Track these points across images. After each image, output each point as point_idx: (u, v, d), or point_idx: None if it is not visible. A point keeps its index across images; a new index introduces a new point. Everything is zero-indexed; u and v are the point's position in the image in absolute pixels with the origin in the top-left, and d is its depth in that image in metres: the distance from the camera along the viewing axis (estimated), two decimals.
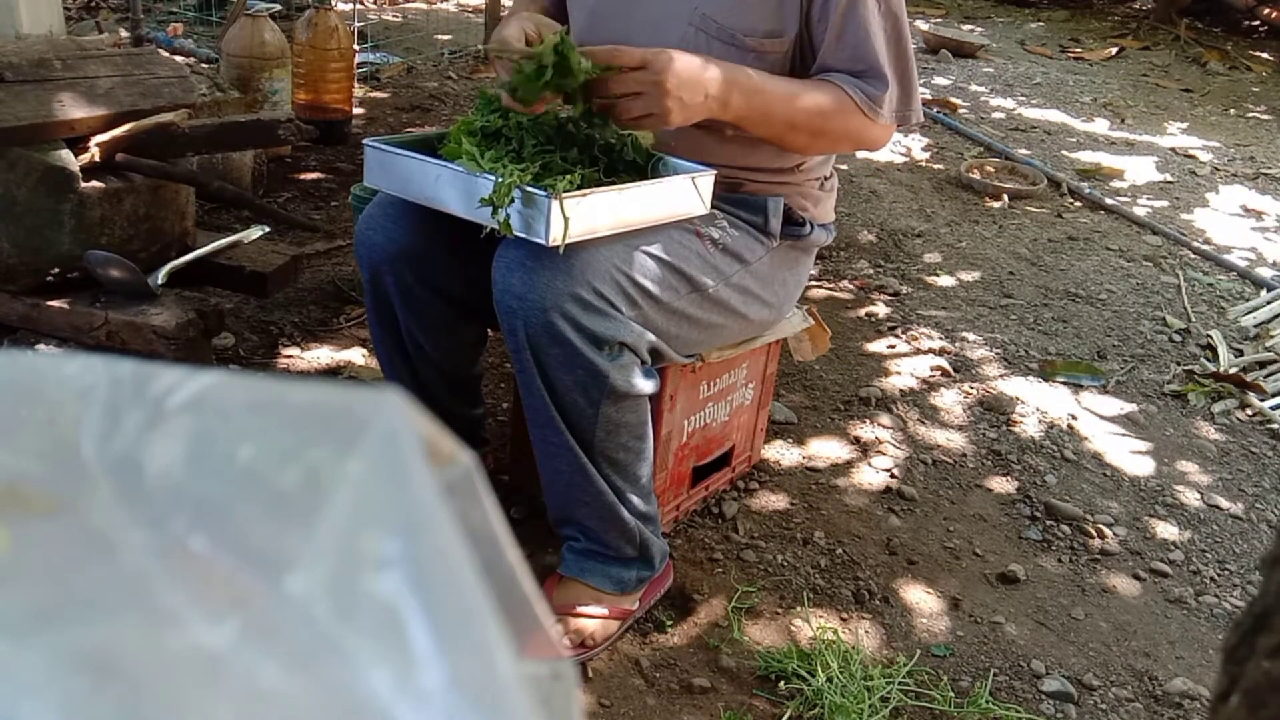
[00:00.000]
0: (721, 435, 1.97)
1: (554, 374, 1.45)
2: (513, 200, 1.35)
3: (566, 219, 1.34)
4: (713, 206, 1.58)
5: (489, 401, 2.23)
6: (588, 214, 1.38)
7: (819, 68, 1.59)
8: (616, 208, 1.43)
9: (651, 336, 1.52)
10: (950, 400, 2.53)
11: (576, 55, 1.37)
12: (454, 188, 1.42)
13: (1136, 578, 1.99)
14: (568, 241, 1.36)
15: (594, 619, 1.62)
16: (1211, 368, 2.82)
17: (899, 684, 1.63)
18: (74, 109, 1.89)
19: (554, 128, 1.52)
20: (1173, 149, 4.94)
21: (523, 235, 1.37)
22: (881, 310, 2.96)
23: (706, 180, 1.54)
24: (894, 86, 1.58)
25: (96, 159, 1.92)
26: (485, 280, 1.50)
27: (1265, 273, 3.52)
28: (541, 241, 1.35)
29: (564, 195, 1.34)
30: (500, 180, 1.35)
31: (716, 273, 1.61)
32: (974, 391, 2.58)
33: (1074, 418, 2.51)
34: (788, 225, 1.72)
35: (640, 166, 1.56)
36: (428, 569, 0.29)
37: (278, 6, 3.50)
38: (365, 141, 1.51)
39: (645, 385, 1.52)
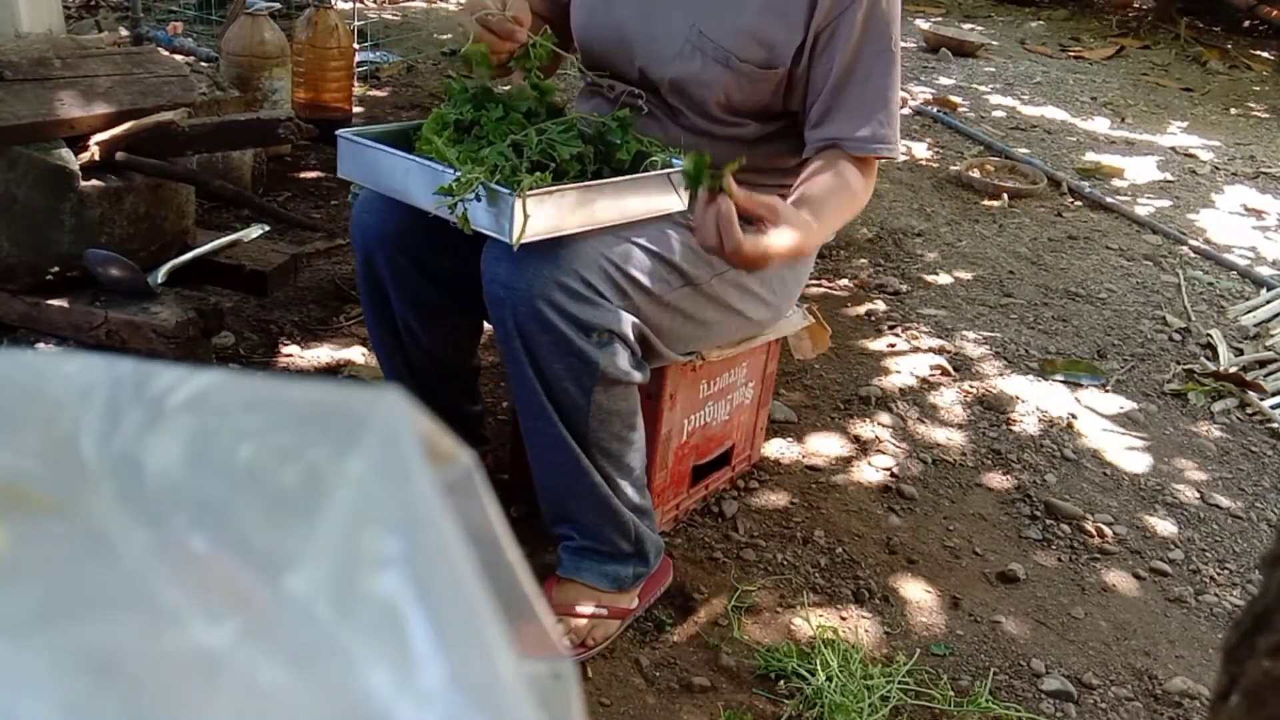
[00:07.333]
0: (721, 434, 1.96)
1: (544, 363, 1.45)
2: (475, 197, 1.34)
3: (526, 216, 1.33)
4: None
5: (488, 400, 2.23)
6: (553, 211, 1.37)
7: (819, 110, 1.59)
8: (586, 205, 1.41)
9: (641, 325, 1.51)
10: (950, 399, 2.53)
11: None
12: (421, 182, 1.41)
13: (1136, 577, 1.99)
14: (535, 239, 1.35)
15: (593, 619, 1.62)
16: (1211, 367, 2.82)
17: (899, 683, 1.63)
18: (74, 108, 1.89)
19: (527, 119, 1.49)
20: (1173, 148, 4.94)
21: (485, 231, 1.36)
22: (881, 309, 2.96)
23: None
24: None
25: (96, 158, 1.92)
26: (477, 268, 1.49)
27: (1265, 272, 3.52)
28: (504, 239, 1.34)
29: (528, 193, 1.32)
30: (461, 175, 1.34)
31: (710, 267, 1.60)
32: (974, 390, 2.58)
33: (1074, 416, 2.51)
34: None
35: (624, 163, 1.54)
36: (428, 568, 0.29)
37: (278, 5, 3.49)
38: (338, 133, 1.49)
39: (636, 373, 1.52)
